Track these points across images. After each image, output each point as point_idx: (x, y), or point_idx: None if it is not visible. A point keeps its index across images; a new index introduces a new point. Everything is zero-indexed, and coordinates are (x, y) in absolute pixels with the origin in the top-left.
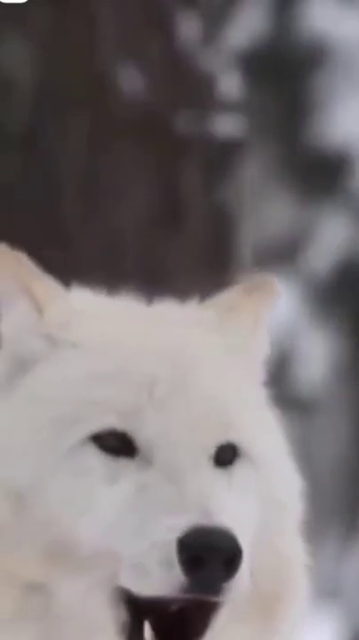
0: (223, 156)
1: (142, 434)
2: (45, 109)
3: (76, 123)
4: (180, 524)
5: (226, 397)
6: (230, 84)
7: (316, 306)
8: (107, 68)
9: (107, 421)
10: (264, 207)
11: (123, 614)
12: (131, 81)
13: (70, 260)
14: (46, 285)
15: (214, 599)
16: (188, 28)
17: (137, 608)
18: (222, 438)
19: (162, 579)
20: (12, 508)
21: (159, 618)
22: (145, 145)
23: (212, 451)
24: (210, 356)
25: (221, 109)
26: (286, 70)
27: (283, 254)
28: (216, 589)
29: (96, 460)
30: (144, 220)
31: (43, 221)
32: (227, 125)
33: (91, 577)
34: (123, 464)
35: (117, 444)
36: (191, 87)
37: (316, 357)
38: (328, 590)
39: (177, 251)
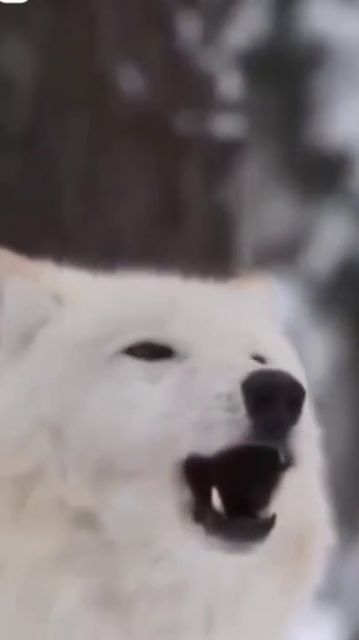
0: (223, 155)
1: (176, 338)
2: (45, 109)
3: (76, 123)
4: (240, 373)
5: (248, 319)
6: (230, 84)
7: (316, 306)
8: (107, 68)
9: (138, 334)
10: (264, 207)
11: (186, 494)
12: (131, 81)
13: (70, 260)
14: (36, 264)
15: (279, 446)
16: (188, 28)
17: (203, 478)
18: (252, 349)
19: (227, 426)
20: (53, 441)
21: (225, 487)
22: (145, 145)
23: (248, 355)
24: (226, 296)
25: (221, 109)
26: (286, 70)
27: (283, 254)
28: (281, 432)
29: (134, 365)
30: (144, 220)
31: (43, 221)
32: (227, 125)
33: (142, 486)
34: (162, 364)
35: (152, 353)
36: (191, 87)
37: (316, 357)
38: (328, 590)
39: (177, 251)
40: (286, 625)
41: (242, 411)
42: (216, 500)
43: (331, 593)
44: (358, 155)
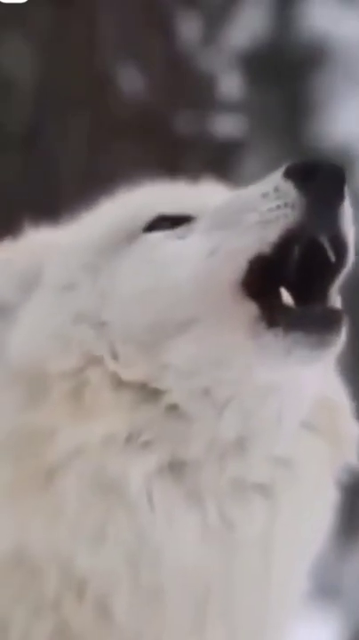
0: (223, 155)
1: (189, 208)
2: (45, 109)
3: (76, 123)
4: (276, 176)
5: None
6: (230, 84)
7: None
8: (107, 68)
9: (151, 213)
10: None
11: (252, 309)
12: (131, 81)
13: None
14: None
15: (329, 232)
16: (189, 28)
17: (266, 285)
18: None
19: (282, 215)
20: (95, 329)
21: (290, 285)
22: (145, 145)
23: None
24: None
25: (221, 109)
26: (286, 70)
27: None
28: (331, 213)
29: (157, 235)
30: None
31: (43, 221)
32: (227, 125)
33: (199, 331)
34: (185, 227)
35: (171, 225)
36: (191, 87)
37: None
38: (328, 590)
39: None
40: (323, 501)
41: (291, 193)
42: (286, 297)
43: (331, 593)
44: (358, 155)
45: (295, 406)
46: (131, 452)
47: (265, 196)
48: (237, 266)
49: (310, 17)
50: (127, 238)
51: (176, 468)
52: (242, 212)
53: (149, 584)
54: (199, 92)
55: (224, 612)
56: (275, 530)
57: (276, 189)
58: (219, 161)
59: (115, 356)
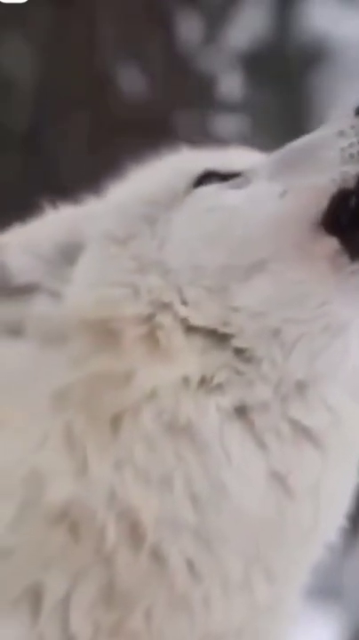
0: None
1: (241, 165)
2: (45, 109)
3: (76, 123)
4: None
5: None
6: (231, 84)
7: None
8: (107, 68)
9: (201, 168)
10: None
11: (334, 244)
12: (131, 81)
13: None
14: None
15: None
16: (189, 28)
17: (348, 221)
18: None
19: None
20: (162, 275)
21: None
22: (145, 145)
23: None
24: None
25: (221, 109)
26: (286, 70)
27: None
28: None
29: (212, 187)
30: None
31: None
32: (227, 125)
33: (273, 271)
34: (238, 180)
35: (223, 179)
36: (191, 87)
37: None
38: (328, 590)
39: None
40: None
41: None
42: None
43: (331, 593)
44: None
45: (356, 351)
46: (203, 395)
47: (342, 134)
48: (317, 203)
49: (310, 17)
50: (179, 192)
51: (245, 410)
52: (317, 151)
53: (210, 531)
54: (199, 92)
55: (270, 567)
56: (325, 481)
57: (353, 126)
58: None
59: (184, 302)
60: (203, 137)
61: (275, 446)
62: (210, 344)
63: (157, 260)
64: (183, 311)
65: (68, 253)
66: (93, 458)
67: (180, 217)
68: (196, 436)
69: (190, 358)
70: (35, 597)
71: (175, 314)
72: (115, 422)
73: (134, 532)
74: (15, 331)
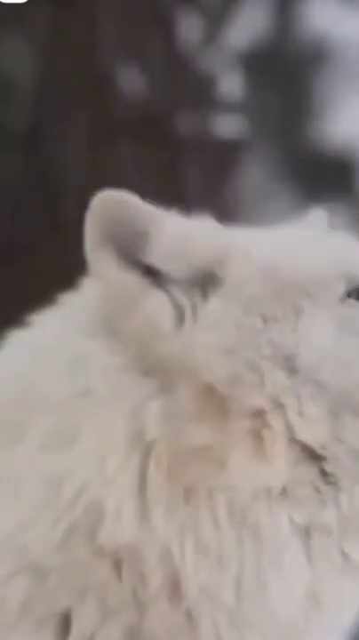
0: (223, 156)
1: None
2: (45, 109)
3: (76, 123)
4: None
5: None
6: (230, 85)
7: None
8: (107, 68)
9: None
10: (264, 207)
11: None
12: (131, 81)
13: (70, 260)
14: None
15: None
16: (189, 28)
17: None
18: None
19: None
20: (289, 374)
21: None
22: (145, 145)
23: None
24: None
25: (221, 109)
26: (286, 70)
27: None
28: None
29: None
30: None
31: (43, 221)
32: (227, 125)
33: None
34: None
35: None
36: (191, 87)
37: None
38: None
39: None
40: None
41: None
42: None
43: None
44: None
45: None
46: (280, 504)
47: None
48: None
49: (310, 17)
50: (335, 294)
51: (309, 528)
52: None
53: (242, 616)
54: (199, 92)
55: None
56: (356, 604)
57: None
58: (219, 161)
59: (300, 413)
60: (203, 137)
61: (323, 569)
62: (302, 458)
63: (290, 356)
64: (296, 422)
65: (206, 278)
66: (160, 514)
67: (327, 323)
68: (261, 536)
69: (284, 468)
70: (62, 623)
71: (288, 421)
72: (192, 492)
73: (175, 590)
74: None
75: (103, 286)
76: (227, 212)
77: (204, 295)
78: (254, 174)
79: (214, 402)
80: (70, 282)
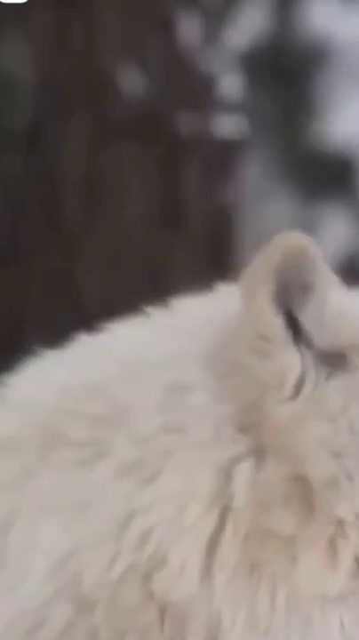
0: (223, 156)
1: None
2: (45, 109)
3: (76, 123)
4: None
5: None
6: (231, 85)
7: None
8: (107, 68)
9: None
10: (264, 207)
11: None
12: (131, 81)
13: (70, 260)
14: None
15: None
16: (189, 28)
17: None
18: None
19: None
20: None
21: None
22: (145, 145)
23: None
24: None
25: (222, 110)
26: (287, 70)
27: None
28: None
29: None
30: (144, 220)
31: (43, 221)
32: (227, 125)
33: None
34: None
35: None
36: (191, 87)
37: None
38: None
39: (177, 251)
40: None
41: None
42: None
43: None
44: None
45: None
46: (335, 608)
47: None
48: None
49: (310, 17)
50: None
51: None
52: None
53: None
54: (199, 92)
55: None
56: None
57: None
58: (219, 161)
59: None
60: (203, 137)
61: None
62: (357, 570)
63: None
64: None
65: (337, 359)
66: (223, 580)
67: None
68: (311, 626)
69: (346, 579)
70: None
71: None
72: (257, 568)
73: None
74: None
75: (244, 321)
76: (226, 212)
77: (330, 376)
78: (254, 174)
79: (303, 494)
80: (70, 282)
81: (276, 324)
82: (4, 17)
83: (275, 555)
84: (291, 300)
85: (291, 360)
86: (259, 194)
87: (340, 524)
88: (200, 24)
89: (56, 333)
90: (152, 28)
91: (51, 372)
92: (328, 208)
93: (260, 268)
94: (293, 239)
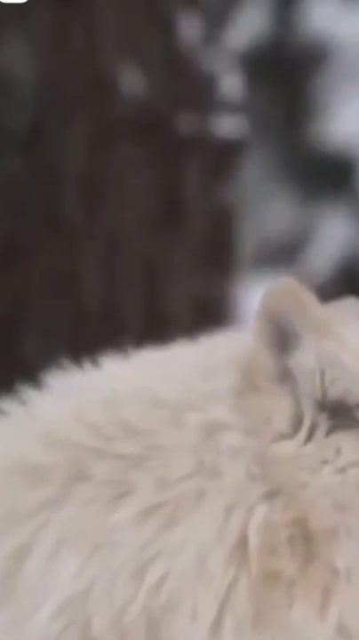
0: (223, 156)
1: None
2: (45, 109)
3: (76, 123)
4: None
5: None
6: (231, 85)
7: None
8: (107, 67)
9: None
10: (264, 207)
11: None
12: (131, 81)
13: (70, 260)
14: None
15: None
16: (189, 27)
17: None
18: None
19: None
20: None
21: None
22: (145, 145)
23: None
24: None
25: (222, 110)
26: (287, 70)
27: (283, 254)
28: None
29: None
30: (144, 220)
31: (43, 221)
32: (227, 126)
33: None
34: None
35: None
36: (191, 87)
37: None
38: None
39: (177, 251)
40: None
41: None
42: None
43: None
44: None
45: None
46: None
47: None
48: None
49: (311, 17)
50: None
51: None
52: None
53: None
54: (199, 92)
55: None
56: None
57: None
58: (219, 161)
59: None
60: (203, 137)
61: None
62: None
63: None
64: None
65: (339, 408)
66: (231, 630)
67: None
68: None
69: (332, 632)
70: None
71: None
72: (260, 617)
73: None
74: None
75: (250, 359)
76: (226, 212)
77: (341, 426)
78: (254, 174)
79: (305, 539)
80: (70, 282)
81: (269, 365)
82: (4, 17)
83: (277, 601)
84: (287, 345)
85: (282, 401)
86: (259, 194)
87: (335, 575)
88: (200, 24)
89: (56, 333)
90: (152, 28)
91: (82, 403)
92: (328, 208)
93: (261, 310)
94: (288, 286)
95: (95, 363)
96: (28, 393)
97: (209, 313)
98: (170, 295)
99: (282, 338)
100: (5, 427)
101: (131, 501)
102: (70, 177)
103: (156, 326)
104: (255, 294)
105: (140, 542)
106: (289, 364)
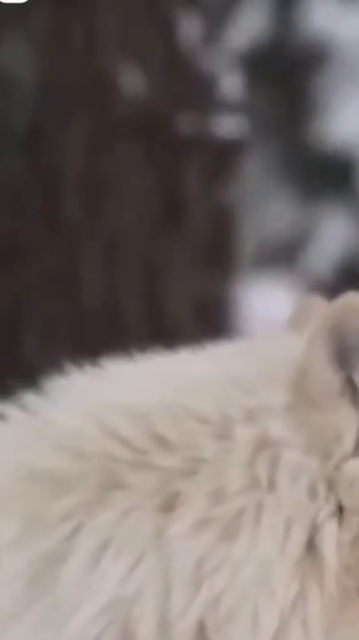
0: (223, 156)
1: None
2: (45, 109)
3: (76, 123)
4: None
5: None
6: (231, 85)
7: None
8: (107, 67)
9: None
10: (264, 207)
11: None
12: (131, 81)
13: (70, 260)
14: None
15: None
16: (189, 27)
17: None
18: None
19: None
20: None
21: None
22: (145, 145)
23: None
24: None
25: (222, 109)
26: (287, 70)
27: (283, 254)
28: None
29: None
30: (144, 220)
31: (43, 221)
32: (227, 125)
33: None
34: None
35: None
36: (191, 87)
37: None
38: None
39: (177, 251)
40: None
41: None
42: None
43: None
44: None
45: None
46: None
47: None
48: None
49: (311, 17)
50: None
51: None
52: None
53: None
54: (199, 92)
55: None
56: None
57: None
58: (219, 161)
59: None
60: (203, 137)
61: None
62: None
63: None
64: None
65: None
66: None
67: None
68: None
69: None
70: None
71: None
72: (327, 636)
73: None
74: None
75: (306, 375)
76: (226, 212)
77: None
78: (254, 174)
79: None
80: (70, 282)
81: (331, 381)
82: (4, 17)
83: (352, 616)
84: (349, 360)
85: (348, 416)
86: (259, 194)
87: None
88: (200, 24)
89: (56, 333)
90: (152, 28)
91: (100, 412)
92: (328, 208)
93: (322, 324)
94: (350, 301)
95: (96, 364)
96: (30, 396)
97: (209, 313)
98: (170, 295)
99: (344, 353)
100: (10, 431)
101: (185, 513)
102: (70, 177)
103: (157, 326)
104: (255, 294)
105: (197, 554)
106: (355, 379)
